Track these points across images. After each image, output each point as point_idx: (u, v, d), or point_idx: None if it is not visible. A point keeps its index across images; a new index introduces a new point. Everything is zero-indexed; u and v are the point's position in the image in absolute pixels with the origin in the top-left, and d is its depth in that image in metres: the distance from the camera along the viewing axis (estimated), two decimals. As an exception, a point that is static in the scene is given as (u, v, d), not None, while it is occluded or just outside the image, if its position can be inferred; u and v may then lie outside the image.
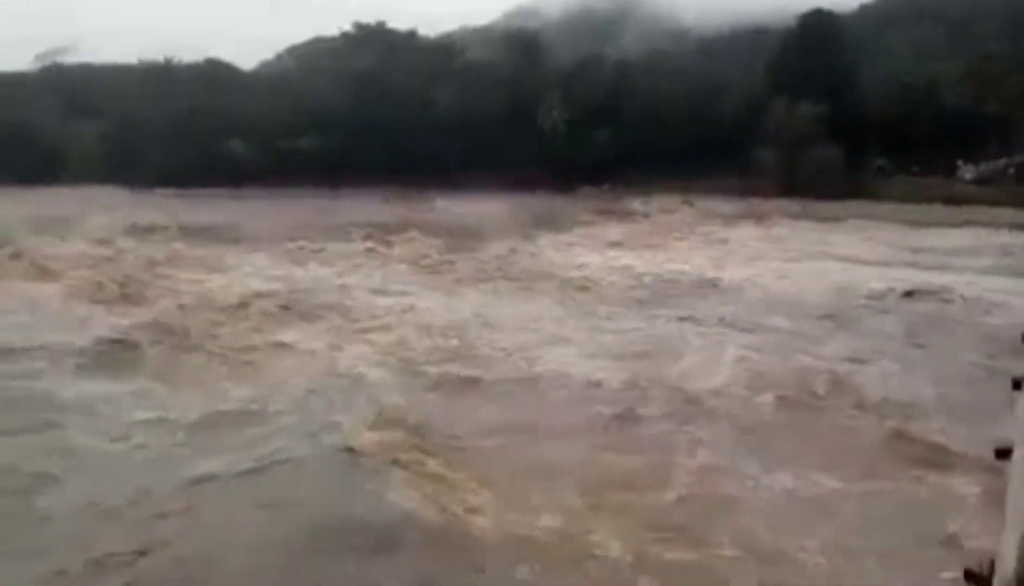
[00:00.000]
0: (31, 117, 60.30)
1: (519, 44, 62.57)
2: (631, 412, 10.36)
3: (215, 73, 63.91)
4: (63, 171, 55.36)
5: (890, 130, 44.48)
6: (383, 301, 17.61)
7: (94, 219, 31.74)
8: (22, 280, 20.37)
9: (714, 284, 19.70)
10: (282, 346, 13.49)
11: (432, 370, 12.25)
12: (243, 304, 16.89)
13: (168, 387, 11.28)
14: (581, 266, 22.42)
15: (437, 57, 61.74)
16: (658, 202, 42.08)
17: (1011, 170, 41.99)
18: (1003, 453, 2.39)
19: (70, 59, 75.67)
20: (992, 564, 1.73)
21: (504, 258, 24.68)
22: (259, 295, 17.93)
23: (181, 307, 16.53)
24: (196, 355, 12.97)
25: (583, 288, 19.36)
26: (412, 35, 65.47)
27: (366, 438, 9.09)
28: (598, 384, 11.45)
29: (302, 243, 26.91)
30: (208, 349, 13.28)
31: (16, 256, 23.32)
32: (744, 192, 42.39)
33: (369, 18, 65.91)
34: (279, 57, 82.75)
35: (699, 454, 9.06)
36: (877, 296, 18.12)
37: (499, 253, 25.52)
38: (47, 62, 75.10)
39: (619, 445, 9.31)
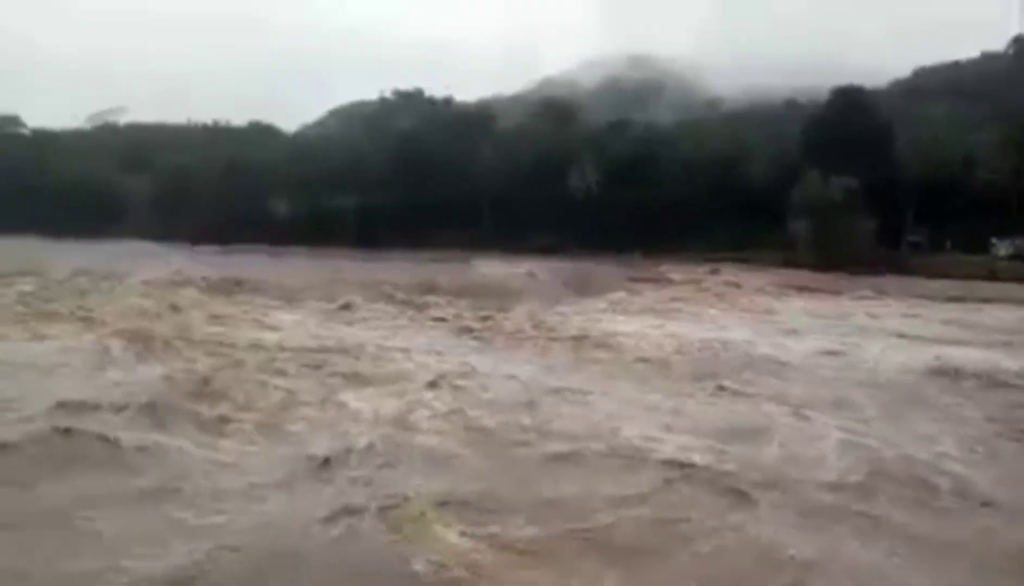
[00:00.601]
0: (88, 172, 62.82)
1: (553, 111, 64.40)
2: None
3: (259, 133, 66.49)
4: (117, 224, 57.11)
5: (924, 204, 44.58)
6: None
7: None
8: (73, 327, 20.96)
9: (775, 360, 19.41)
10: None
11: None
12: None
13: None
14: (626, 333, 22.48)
15: (473, 122, 63.71)
16: (691, 271, 42.22)
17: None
18: None
19: (122, 118, 79.51)
20: None
21: (547, 323, 24.94)
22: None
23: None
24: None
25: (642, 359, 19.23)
26: (449, 101, 67.83)
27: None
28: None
29: (345, 301, 27.47)
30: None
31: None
32: (777, 263, 42.59)
33: (406, 85, 68.68)
34: (320, 121, 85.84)
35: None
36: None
37: (545, 319, 25.85)
38: (98, 122, 78.81)
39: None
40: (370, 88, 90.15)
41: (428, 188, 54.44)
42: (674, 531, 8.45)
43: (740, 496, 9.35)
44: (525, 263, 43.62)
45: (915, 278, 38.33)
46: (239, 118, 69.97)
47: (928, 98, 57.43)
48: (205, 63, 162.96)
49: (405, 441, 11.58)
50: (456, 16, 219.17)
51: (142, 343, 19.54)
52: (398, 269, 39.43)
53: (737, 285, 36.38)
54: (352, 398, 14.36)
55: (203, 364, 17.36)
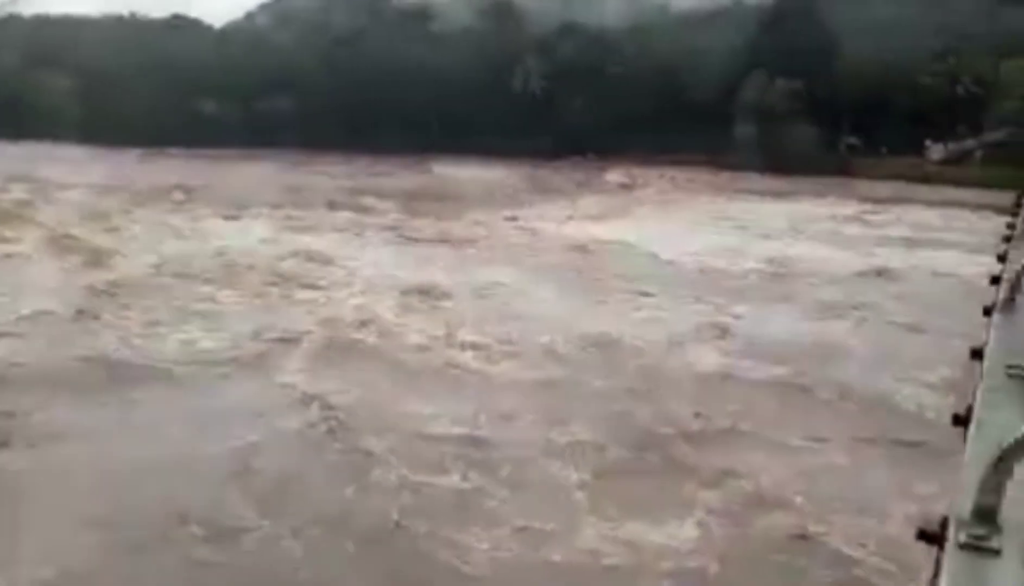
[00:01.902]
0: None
1: (498, 11, 61.76)
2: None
3: (181, 28, 61.88)
4: (29, 125, 52.88)
5: (863, 109, 45.26)
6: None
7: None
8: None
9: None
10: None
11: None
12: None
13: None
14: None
15: (412, 20, 60.60)
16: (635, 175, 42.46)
17: (978, 152, 43.00)
18: (960, 420, 2.10)
19: (26, 10, 72.38)
20: (945, 522, 1.52)
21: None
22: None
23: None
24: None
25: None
26: (388, -3, 64.06)
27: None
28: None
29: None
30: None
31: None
32: (720, 166, 43.08)
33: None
34: (249, 16, 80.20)
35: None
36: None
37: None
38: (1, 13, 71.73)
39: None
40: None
41: (368, 90, 52.09)
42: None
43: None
44: (473, 167, 43.01)
45: (853, 179, 39.57)
46: (159, 10, 64.68)
47: (874, 2, 57.24)
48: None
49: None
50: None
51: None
52: (344, 174, 38.29)
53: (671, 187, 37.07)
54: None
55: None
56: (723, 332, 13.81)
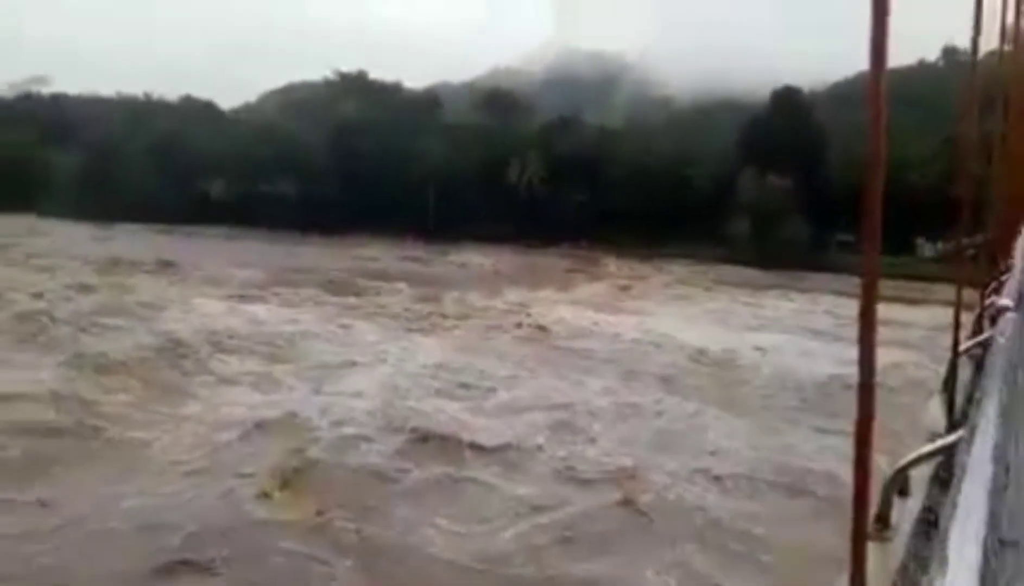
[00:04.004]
0: (6, 144, 59.17)
1: (501, 103, 63.67)
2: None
3: (193, 110, 63.87)
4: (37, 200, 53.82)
5: (855, 207, 45.53)
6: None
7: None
8: None
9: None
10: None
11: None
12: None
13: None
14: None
15: (420, 109, 62.40)
16: (631, 266, 42.50)
17: (970, 250, 43.06)
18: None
19: (45, 89, 75.23)
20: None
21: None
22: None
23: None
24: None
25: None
26: (396, 87, 66.26)
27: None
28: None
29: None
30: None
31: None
32: (713, 260, 43.22)
33: (350, 67, 66.75)
34: (261, 100, 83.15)
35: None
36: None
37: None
38: (20, 91, 74.46)
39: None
40: (314, 68, 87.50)
41: (370, 176, 53.16)
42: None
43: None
44: (466, 253, 43.23)
45: (840, 275, 39.44)
46: (173, 94, 67.04)
47: (865, 103, 58.81)
48: (137, 35, 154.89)
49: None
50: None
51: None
52: (334, 257, 38.44)
53: (661, 280, 37.06)
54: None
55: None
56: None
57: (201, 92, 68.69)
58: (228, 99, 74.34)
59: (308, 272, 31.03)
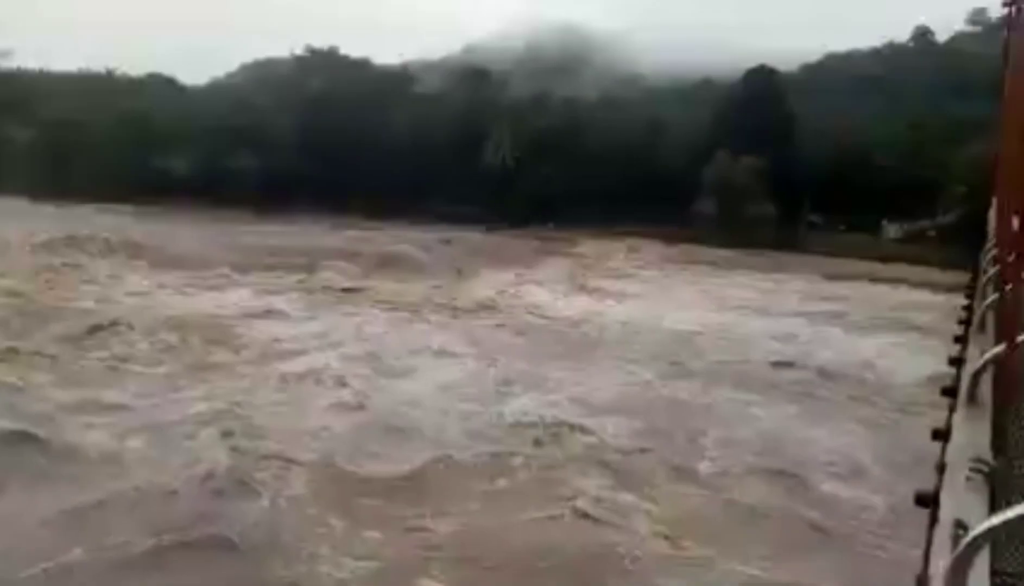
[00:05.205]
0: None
1: (471, 78, 62.84)
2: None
3: (157, 86, 62.37)
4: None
5: (823, 188, 45.95)
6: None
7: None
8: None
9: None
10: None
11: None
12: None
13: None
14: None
15: (390, 86, 61.43)
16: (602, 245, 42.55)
17: (933, 232, 43.68)
18: (924, 500, 2.24)
19: (6, 64, 72.75)
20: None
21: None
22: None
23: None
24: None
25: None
26: (365, 63, 65.22)
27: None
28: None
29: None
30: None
31: None
32: (682, 239, 43.36)
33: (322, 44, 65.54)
34: (229, 76, 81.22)
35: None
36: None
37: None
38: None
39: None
40: (285, 44, 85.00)
41: (338, 153, 52.24)
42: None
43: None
44: (437, 232, 42.96)
45: (806, 256, 40.04)
46: (138, 70, 65.23)
47: (835, 83, 58.79)
48: (102, 9, 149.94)
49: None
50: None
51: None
52: (296, 237, 37.96)
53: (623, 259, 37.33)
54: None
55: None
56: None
57: (167, 68, 67.09)
58: (195, 75, 72.61)
59: (259, 251, 30.75)
